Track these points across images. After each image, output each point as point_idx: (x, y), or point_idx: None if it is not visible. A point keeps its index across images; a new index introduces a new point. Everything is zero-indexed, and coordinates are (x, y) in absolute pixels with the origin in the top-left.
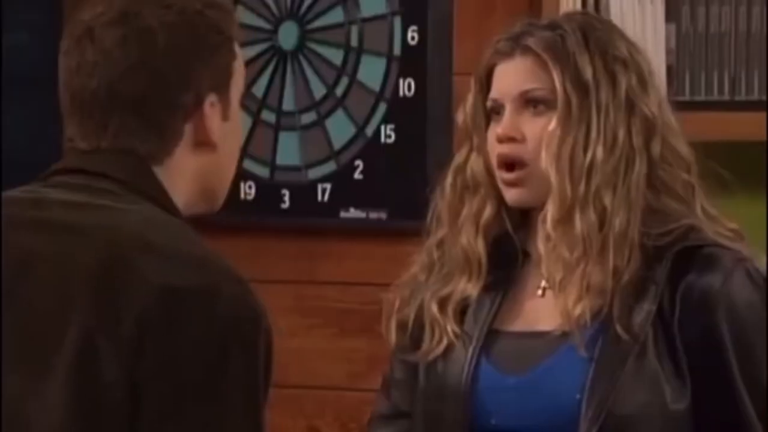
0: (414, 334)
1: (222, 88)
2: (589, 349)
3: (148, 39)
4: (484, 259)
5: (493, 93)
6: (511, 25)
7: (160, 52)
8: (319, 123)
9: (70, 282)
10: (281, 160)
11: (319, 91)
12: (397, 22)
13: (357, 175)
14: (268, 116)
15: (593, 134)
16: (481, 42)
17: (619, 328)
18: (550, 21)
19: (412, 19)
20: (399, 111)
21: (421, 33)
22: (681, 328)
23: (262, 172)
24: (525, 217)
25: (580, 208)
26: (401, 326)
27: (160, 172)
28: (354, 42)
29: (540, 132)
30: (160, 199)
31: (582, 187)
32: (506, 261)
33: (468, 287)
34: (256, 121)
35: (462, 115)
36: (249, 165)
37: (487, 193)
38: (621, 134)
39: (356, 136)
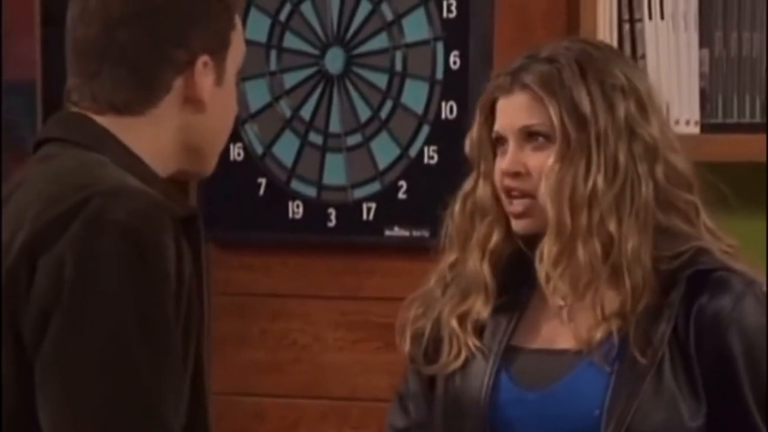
0: (429, 347)
1: (217, 53)
2: (608, 363)
3: None
4: (490, 284)
5: (497, 126)
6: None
7: (158, 7)
8: (364, 144)
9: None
10: (328, 180)
11: (364, 113)
12: (440, 47)
13: (401, 195)
14: (315, 138)
15: (594, 166)
16: None
17: (636, 353)
18: (549, 53)
19: (454, 44)
20: (441, 133)
21: (463, 57)
22: (697, 350)
23: (310, 191)
24: (537, 238)
25: (582, 240)
26: (415, 337)
27: (141, 122)
28: (398, 66)
29: (541, 165)
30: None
31: (584, 218)
32: (522, 281)
33: (481, 309)
34: (304, 143)
35: (468, 144)
36: (296, 185)
37: (495, 219)
38: (622, 161)
39: (400, 157)
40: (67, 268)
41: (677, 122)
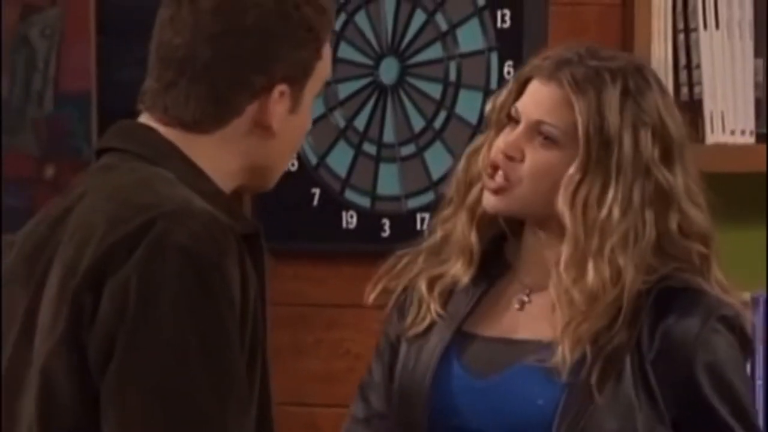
0: (399, 306)
1: (296, 82)
2: (565, 375)
3: (240, 14)
4: (476, 250)
5: (519, 103)
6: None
7: (246, 30)
8: (418, 155)
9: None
10: (381, 190)
11: (418, 123)
12: (494, 57)
13: None
14: (369, 148)
15: (610, 193)
16: None
17: (594, 372)
18: (599, 62)
19: (508, 54)
20: None
21: (517, 68)
22: (655, 368)
23: (364, 202)
24: (518, 224)
25: (594, 262)
26: (386, 292)
27: (207, 140)
28: (452, 77)
29: (537, 161)
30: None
31: (595, 242)
32: (496, 261)
33: (460, 272)
34: (358, 153)
35: (490, 105)
36: (350, 195)
37: (483, 188)
38: (636, 199)
39: (454, 168)
40: (131, 292)
41: (732, 132)
